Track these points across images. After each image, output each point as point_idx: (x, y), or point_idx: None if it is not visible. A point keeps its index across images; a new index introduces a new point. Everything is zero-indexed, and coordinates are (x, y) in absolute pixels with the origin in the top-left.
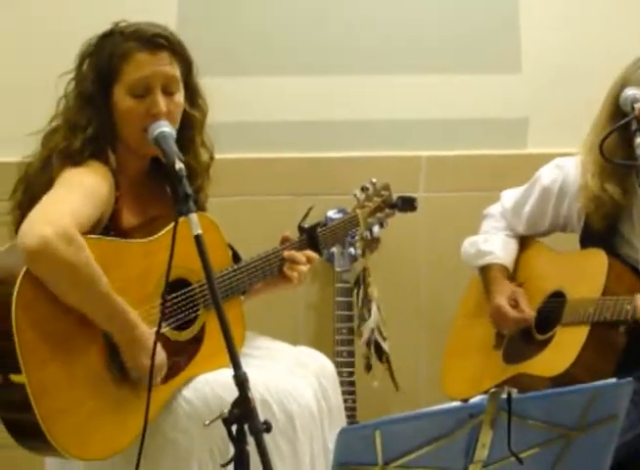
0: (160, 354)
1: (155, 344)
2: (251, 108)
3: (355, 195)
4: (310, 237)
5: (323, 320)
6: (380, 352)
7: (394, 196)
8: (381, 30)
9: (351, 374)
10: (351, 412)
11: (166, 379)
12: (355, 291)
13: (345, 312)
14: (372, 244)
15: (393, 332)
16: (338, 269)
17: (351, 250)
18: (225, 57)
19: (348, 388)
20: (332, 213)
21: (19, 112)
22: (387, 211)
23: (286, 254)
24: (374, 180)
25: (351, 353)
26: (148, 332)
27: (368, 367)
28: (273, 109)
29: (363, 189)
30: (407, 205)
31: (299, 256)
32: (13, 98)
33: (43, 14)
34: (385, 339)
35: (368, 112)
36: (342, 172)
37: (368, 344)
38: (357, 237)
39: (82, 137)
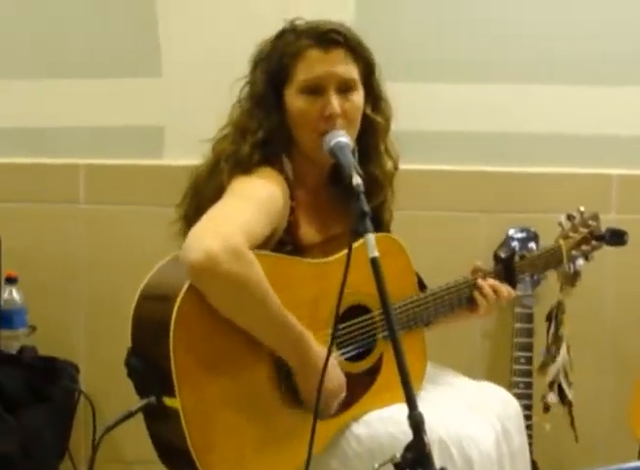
0: (340, 378)
1: (324, 368)
2: (430, 117)
3: (560, 223)
4: (506, 268)
5: (500, 349)
6: (562, 397)
7: (603, 227)
8: (573, 38)
9: (528, 407)
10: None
11: (338, 411)
12: (547, 325)
13: (525, 339)
14: (572, 278)
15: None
16: (518, 293)
17: None
18: (404, 62)
19: (525, 421)
20: (513, 232)
21: (196, 115)
22: (593, 243)
23: (480, 281)
24: (582, 208)
25: (529, 385)
26: (323, 354)
27: (546, 408)
28: (455, 118)
29: (569, 217)
30: (616, 238)
31: (488, 289)
32: (190, 102)
33: (216, 21)
34: (570, 384)
35: (554, 125)
36: (525, 189)
37: (551, 385)
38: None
39: (252, 141)
